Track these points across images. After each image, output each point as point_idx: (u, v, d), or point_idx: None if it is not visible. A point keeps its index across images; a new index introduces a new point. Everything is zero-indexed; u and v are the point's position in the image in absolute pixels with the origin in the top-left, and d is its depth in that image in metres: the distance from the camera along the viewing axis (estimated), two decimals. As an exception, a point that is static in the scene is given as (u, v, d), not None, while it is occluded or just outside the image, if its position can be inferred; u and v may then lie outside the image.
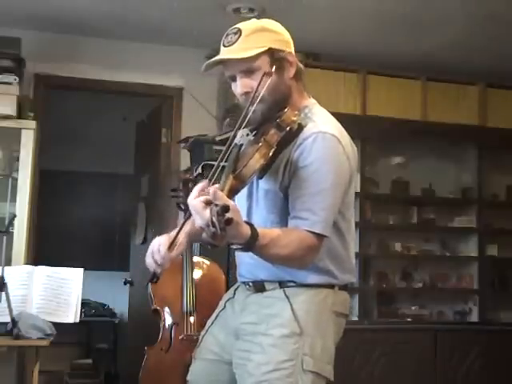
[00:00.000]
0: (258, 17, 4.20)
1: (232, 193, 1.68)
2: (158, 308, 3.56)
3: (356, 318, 4.61)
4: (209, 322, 2.16)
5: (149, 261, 1.90)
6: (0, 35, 4.14)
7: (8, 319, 3.01)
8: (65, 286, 3.25)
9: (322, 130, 1.85)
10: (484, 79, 5.02)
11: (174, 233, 1.87)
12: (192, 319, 3.45)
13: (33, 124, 4.03)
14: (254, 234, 1.69)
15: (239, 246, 1.71)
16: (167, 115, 5.00)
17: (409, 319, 4.81)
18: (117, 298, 6.16)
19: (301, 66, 1.96)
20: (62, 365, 5.86)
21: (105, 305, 6.36)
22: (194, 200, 1.63)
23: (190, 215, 1.69)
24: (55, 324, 3.15)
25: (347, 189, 1.93)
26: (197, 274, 3.60)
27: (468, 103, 5.00)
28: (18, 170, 3.98)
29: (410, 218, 5.03)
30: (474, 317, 4.92)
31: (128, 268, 5.49)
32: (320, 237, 1.83)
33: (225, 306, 2.12)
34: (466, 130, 4.92)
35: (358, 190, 4.76)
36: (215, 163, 1.75)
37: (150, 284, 1.96)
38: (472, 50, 4.71)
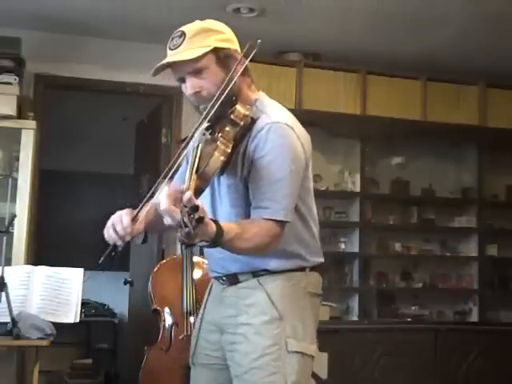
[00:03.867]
0: (258, 17, 4.24)
1: (198, 192, 1.69)
2: (158, 308, 3.56)
3: (356, 318, 4.61)
4: (196, 326, 2.18)
5: (110, 233, 1.92)
6: (0, 35, 4.14)
7: (8, 319, 3.00)
8: (65, 286, 3.24)
9: (274, 121, 1.90)
10: (484, 79, 5.02)
11: (137, 209, 1.89)
12: (192, 319, 3.45)
13: (33, 124, 4.03)
14: (220, 230, 1.73)
15: (206, 243, 1.74)
16: (167, 115, 4.99)
17: (409, 319, 4.80)
18: (117, 298, 6.15)
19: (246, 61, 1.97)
20: (61, 365, 5.85)
21: (105, 305, 6.35)
22: (165, 203, 1.61)
23: (151, 196, 1.82)
24: (55, 324, 3.14)
25: (305, 174, 1.99)
26: (197, 273, 3.60)
27: (468, 103, 5.00)
28: (18, 170, 3.98)
29: (410, 217, 5.03)
30: (474, 317, 4.92)
31: (128, 268, 5.48)
32: (282, 223, 1.88)
33: (205, 307, 2.16)
34: (466, 129, 4.92)
35: (358, 189, 4.77)
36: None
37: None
38: (472, 49, 4.71)
